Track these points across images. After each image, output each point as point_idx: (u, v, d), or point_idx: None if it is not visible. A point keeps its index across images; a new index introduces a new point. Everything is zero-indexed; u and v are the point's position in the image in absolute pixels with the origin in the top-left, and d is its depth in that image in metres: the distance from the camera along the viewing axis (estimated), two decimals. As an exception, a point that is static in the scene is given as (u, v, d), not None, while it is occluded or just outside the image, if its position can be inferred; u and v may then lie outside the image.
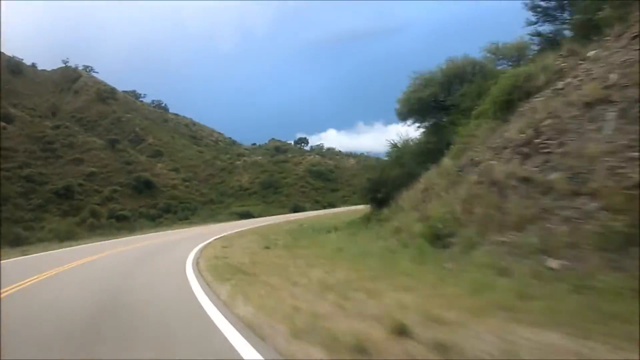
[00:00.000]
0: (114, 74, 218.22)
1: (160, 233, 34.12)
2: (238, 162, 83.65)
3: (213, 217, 53.29)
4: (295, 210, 59.87)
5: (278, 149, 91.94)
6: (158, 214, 54.51)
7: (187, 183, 68.12)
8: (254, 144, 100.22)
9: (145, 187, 59.31)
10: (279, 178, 77.76)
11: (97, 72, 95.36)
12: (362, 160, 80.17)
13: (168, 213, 55.68)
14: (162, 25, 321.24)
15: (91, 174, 57.95)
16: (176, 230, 36.86)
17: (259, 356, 4.07)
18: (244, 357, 4.06)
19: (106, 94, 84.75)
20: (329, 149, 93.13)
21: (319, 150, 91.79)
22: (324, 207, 61.91)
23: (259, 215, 51.84)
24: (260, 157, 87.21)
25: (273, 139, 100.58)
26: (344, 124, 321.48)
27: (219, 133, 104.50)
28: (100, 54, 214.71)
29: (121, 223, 45.97)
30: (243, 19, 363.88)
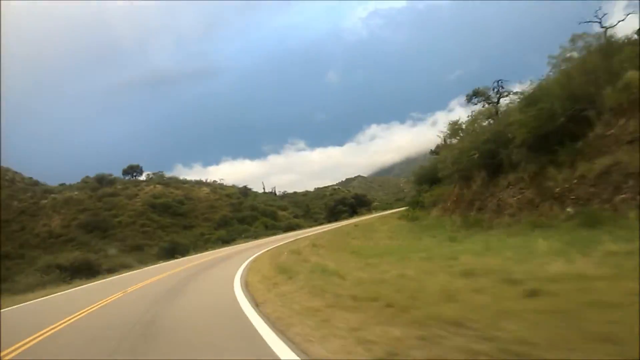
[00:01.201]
0: None
1: None
2: (45, 201, 60.50)
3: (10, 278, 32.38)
4: (172, 252, 41.06)
5: (101, 180, 70.46)
6: None
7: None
8: (63, 183, 74.81)
9: None
10: (108, 217, 57.70)
11: None
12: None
13: None
14: None
15: None
16: None
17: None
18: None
19: None
20: (172, 178, 75.11)
21: (159, 178, 73.15)
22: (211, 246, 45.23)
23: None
24: (76, 193, 65.00)
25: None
26: (162, 166, 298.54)
27: (16, 172, 76.51)
28: None
29: None
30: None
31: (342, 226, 35.73)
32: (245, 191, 72.86)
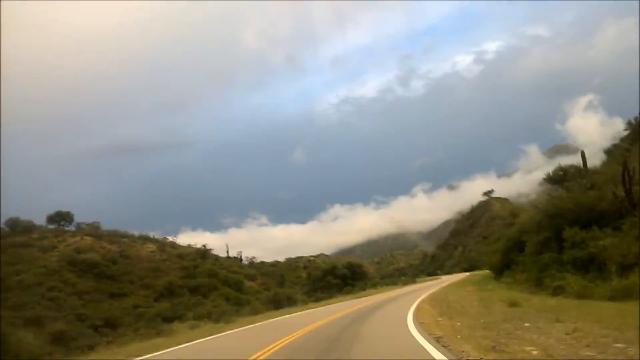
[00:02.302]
0: None
1: None
2: None
3: None
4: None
5: (14, 225, 53.14)
6: None
7: None
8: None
9: None
10: (7, 274, 40.45)
11: None
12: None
13: None
14: None
15: None
16: None
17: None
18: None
19: None
20: (111, 230, 58.09)
21: (92, 229, 56.24)
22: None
23: None
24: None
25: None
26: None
27: None
28: None
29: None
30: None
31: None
32: (204, 252, 56.60)
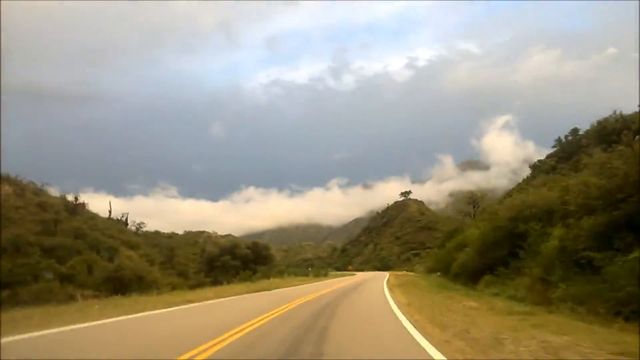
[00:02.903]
0: None
1: None
2: None
3: None
4: None
5: None
6: None
7: None
8: None
9: None
10: None
11: None
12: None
13: None
14: None
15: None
16: None
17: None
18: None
19: None
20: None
21: None
22: None
23: None
24: None
25: None
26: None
27: None
28: None
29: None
30: None
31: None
32: (74, 207, 44.84)
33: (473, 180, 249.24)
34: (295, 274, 48.85)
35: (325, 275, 55.80)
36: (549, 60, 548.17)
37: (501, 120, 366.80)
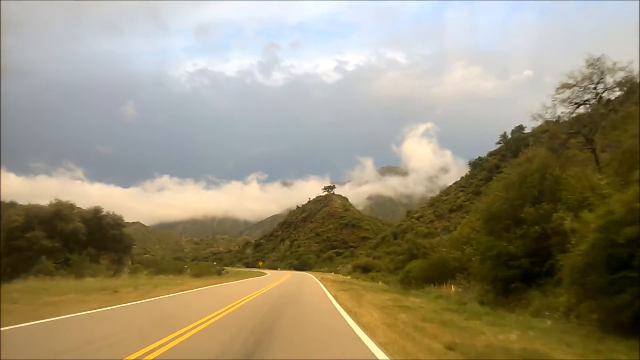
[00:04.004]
0: None
1: None
2: None
3: None
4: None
5: None
6: None
7: None
8: None
9: None
10: None
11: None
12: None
13: None
14: None
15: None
16: None
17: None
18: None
19: None
20: None
21: None
22: None
23: None
24: None
25: None
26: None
27: None
28: None
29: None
30: None
31: None
32: None
33: (392, 185, 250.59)
34: (162, 272, 31.54)
35: (219, 274, 40.29)
36: (470, 76, 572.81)
37: (422, 127, 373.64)
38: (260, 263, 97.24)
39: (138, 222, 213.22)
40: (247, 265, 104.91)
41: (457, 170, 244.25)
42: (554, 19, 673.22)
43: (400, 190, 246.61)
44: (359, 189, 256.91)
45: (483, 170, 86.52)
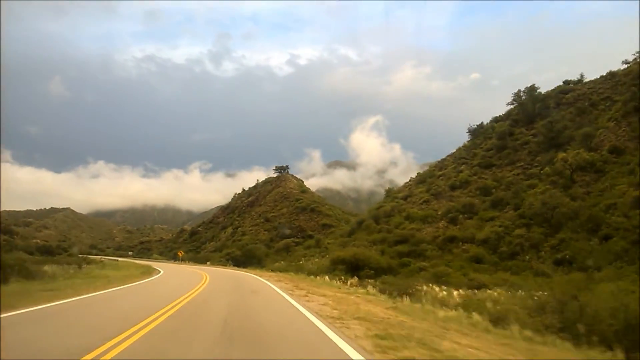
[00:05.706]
0: None
1: None
2: None
3: None
4: None
5: None
6: None
7: None
8: None
9: None
10: None
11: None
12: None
13: None
14: None
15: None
16: None
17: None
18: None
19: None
20: None
21: None
22: None
23: None
24: None
25: None
26: None
27: None
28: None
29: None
30: None
31: None
32: None
33: (340, 179, 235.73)
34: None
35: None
36: (419, 76, 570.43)
37: (372, 120, 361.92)
38: (181, 253, 73.38)
39: (68, 209, 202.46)
40: (161, 254, 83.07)
41: (407, 164, 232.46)
42: (505, 22, 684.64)
43: (349, 184, 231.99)
44: (306, 182, 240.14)
45: (488, 138, 68.37)
